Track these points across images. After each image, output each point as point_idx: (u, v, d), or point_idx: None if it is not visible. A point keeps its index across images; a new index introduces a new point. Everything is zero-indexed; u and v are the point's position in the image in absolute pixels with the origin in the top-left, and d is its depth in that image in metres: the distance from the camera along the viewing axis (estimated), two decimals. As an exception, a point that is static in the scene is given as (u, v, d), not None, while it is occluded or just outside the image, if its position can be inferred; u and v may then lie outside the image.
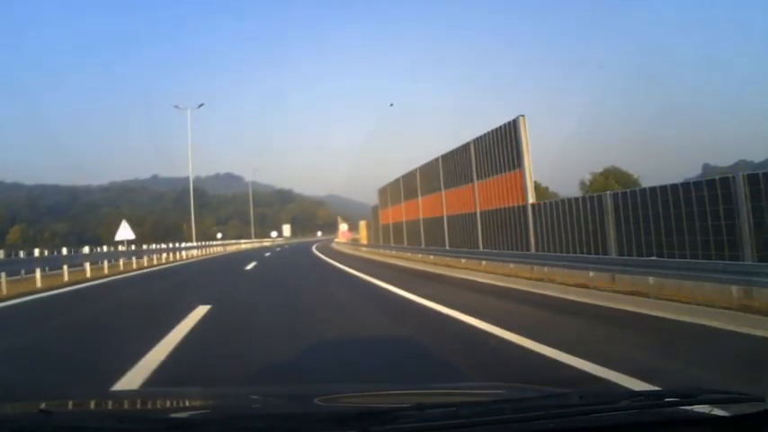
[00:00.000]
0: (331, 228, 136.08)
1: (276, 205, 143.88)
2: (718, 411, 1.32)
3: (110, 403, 1.80)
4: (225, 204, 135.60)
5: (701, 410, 1.32)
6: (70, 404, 1.62)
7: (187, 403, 1.81)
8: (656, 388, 1.61)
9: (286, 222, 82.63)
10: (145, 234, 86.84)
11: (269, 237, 71.90)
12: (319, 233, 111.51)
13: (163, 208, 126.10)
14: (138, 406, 1.76)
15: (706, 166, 72.88)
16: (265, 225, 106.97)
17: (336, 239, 53.39)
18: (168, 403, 1.85)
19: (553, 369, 4.05)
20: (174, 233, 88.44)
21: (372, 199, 35.41)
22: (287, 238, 76.58)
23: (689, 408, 1.31)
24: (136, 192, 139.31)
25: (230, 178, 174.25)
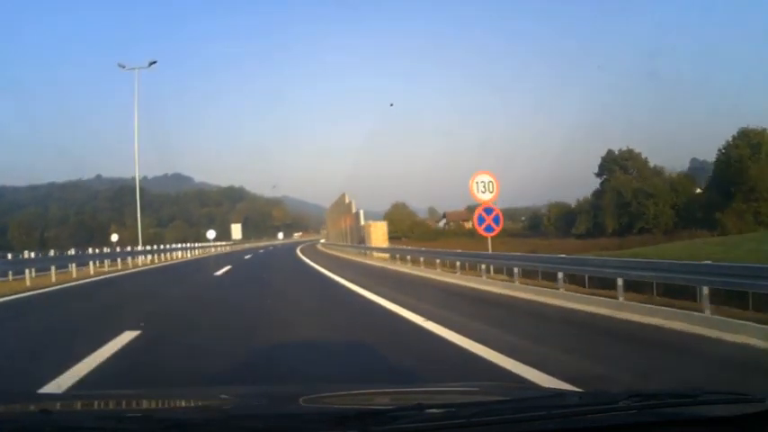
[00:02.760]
0: (292, 229, 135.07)
1: (226, 204, 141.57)
2: (717, 412, 1.43)
3: (110, 403, 1.87)
4: (168, 204, 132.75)
5: (701, 411, 1.43)
6: (70, 404, 1.69)
7: (188, 403, 1.90)
8: (656, 388, 1.73)
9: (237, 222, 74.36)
10: (61, 237, 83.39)
11: (206, 240, 54.60)
12: (281, 235, 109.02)
13: (96, 207, 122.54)
14: (138, 406, 1.84)
15: (694, 161, 79.70)
16: (213, 227, 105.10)
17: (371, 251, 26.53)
18: (168, 403, 1.93)
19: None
20: (101, 235, 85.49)
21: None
22: (237, 241, 66.37)
23: (689, 408, 1.42)
24: (69, 190, 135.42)
25: (179, 179, 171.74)
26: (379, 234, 29.17)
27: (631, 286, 8.51)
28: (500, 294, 10.73)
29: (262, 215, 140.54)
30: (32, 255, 24.86)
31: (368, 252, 27.02)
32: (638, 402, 1.40)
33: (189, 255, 40.46)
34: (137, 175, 29.94)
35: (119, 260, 25.28)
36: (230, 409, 1.63)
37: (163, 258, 32.38)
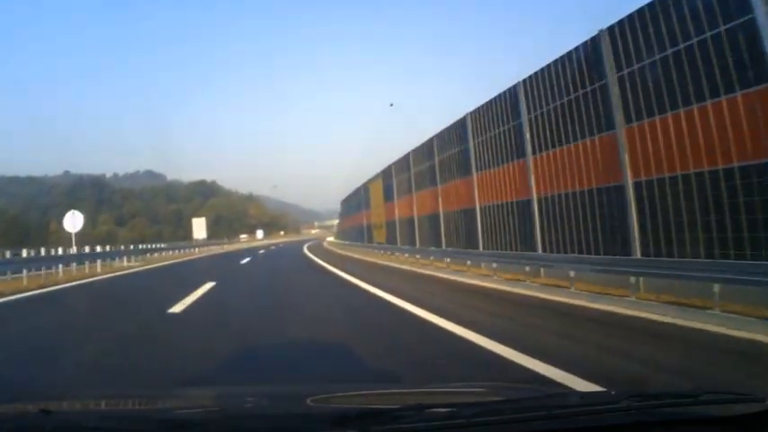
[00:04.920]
0: (271, 228, 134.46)
1: (196, 200, 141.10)
2: (718, 412, 1.56)
3: (110, 403, 2.00)
4: (130, 200, 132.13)
5: (701, 411, 1.56)
6: (70, 404, 1.83)
7: (188, 403, 2.04)
8: (657, 389, 1.87)
9: (210, 221, 66.70)
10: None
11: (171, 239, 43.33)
12: (260, 233, 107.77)
13: (49, 203, 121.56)
14: (138, 406, 1.99)
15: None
16: (182, 225, 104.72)
17: None
18: (168, 403, 2.07)
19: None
20: (39, 234, 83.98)
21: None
22: (197, 242, 50.53)
23: (689, 408, 1.56)
24: (21, 184, 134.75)
25: (151, 176, 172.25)
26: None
27: None
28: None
29: (237, 213, 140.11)
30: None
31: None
32: (638, 402, 1.53)
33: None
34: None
35: None
36: (230, 408, 1.76)
37: None
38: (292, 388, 2.68)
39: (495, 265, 13.59)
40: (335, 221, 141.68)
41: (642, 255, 9.94)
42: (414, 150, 23.83)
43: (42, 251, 27.44)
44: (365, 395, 2.06)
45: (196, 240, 51.12)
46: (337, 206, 69.22)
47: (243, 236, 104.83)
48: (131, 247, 35.31)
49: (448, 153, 19.43)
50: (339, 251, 38.42)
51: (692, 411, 1.55)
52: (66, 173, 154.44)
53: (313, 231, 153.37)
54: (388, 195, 29.22)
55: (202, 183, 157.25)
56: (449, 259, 17.16)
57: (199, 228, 53.40)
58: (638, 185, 10.03)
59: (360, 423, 1.36)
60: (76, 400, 1.98)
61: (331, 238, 62.75)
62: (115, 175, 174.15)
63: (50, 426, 1.38)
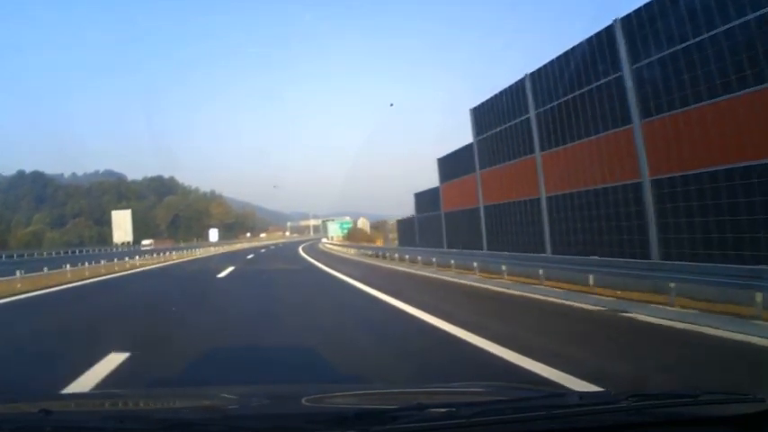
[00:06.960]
0: (236, 231, 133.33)
1: (150, 198, 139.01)
2: (717, 412, 1.70)
3: (110, 403, 2.15)
4: (75, 197, 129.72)
5: (701, 411, 1.70)
6: (70, 404, 1.97)
7: (187, 403, 2.18)
8: (656, 388, 2.01)
9: (167, 221, 60.87)
10: None
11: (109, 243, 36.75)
12: (213, 234, 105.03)
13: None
14: (138, 406, 2.13)
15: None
16: (133, 228, 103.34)
17: None
18: (168, 403, 2.22)
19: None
20: None
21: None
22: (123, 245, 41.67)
23: (689, 408, 1.70)
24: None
25: (111, 176, 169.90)
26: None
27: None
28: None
29: (197, 212, 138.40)
30: None
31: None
32: (638, 402, 1.66)
33: None
34: None
35: None
36: (230, 408, 1.91)
37: None
38: (292, 388, 2.81)
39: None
40: (312, 222, 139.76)
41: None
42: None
43: None
44: (365, 395, 2.21)
45: (116, 245, 42.06)
46: (308, 210, 64.35)
47: (146, 241, 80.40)
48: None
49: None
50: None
51: (691, 411, 1.69)
52: (21, 172, 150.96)
53: (286, 233, 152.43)
54: None
55: (158, 179, 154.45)
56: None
57: (121, 225, 42.83)
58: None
59: (359, 423, 1.49)
60: (76, 400, 2.11)
61: (326, 240, 53.17)
62: (74, 175, 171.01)
63: (50, 426, 1.49)
